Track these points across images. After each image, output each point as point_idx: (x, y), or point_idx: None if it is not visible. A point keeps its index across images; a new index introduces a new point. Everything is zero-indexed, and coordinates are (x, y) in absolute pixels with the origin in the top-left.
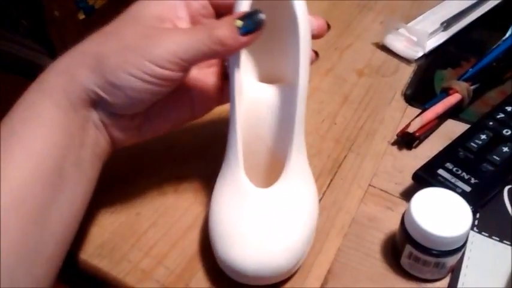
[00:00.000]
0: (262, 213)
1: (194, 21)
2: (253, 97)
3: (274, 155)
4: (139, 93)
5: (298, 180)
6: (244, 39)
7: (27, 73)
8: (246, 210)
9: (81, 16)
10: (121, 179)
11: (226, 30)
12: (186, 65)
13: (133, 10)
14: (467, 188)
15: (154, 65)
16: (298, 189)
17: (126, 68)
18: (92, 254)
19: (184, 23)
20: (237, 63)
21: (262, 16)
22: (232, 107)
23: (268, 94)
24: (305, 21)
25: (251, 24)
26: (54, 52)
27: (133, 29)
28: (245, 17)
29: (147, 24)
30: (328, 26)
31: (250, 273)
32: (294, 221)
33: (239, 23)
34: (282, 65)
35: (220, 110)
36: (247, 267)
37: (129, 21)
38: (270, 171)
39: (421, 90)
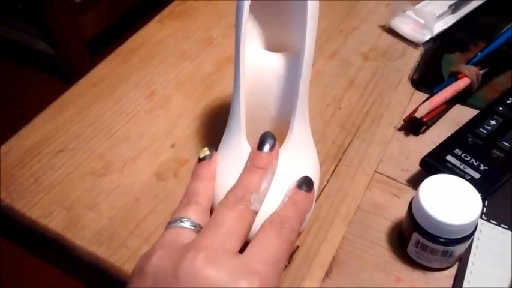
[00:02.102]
0: None
1: None
2: (258, 65)
3: (277, 123)
4: None
5: (300, 149)
6: None
7: (23, 57)
8: None
9: (78, 0)
10: (119, 164)
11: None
12: None
13: None
14: (477, 175)
15: None
16: (300, 157)
17: None
18: (89, 241)
19: None
20: (242, 31)
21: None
22: (237, 74)
23: (274, 62)
24: None
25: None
26: (50, 36)
27: None
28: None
29: None
30: None
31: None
32: None
33: None
34: (288, 33)
35: (218, 94)
36: (250, 234)
37: None
38: None
39: (428, 75)
